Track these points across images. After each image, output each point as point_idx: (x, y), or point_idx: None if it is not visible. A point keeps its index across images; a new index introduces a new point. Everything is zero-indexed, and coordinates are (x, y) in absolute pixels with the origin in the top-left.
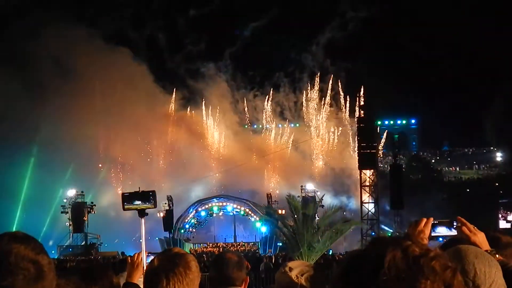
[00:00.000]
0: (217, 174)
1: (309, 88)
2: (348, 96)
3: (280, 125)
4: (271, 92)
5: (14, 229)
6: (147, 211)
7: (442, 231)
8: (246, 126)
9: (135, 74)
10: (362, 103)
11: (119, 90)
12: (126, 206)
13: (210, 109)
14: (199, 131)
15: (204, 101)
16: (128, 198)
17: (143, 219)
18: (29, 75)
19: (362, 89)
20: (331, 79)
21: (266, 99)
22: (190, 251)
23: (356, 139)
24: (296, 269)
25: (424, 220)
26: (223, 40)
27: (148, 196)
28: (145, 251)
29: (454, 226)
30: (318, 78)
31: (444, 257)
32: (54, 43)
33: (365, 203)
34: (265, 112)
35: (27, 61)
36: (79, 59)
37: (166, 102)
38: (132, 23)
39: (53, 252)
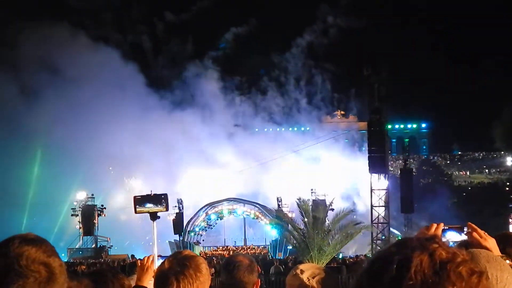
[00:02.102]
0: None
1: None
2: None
3: (291, 128)
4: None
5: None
6: (158, 214)
7: (452, 236)
8: (256, 129)
9: (125, 74)
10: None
11: (112, 91)
12: (138, 209)
13: (202, 110)
14: (195, 133)
15: (196, 102)
16: (140, 201)
17: (154, 222)
18: (22, 77)
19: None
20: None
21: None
22: (200, 254)
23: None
24: (307, 271)
25: (435, 225)
26: (205, 46)
27: (160, 199)
28: (157, 254)
29: (465, 232)
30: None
31: (471, 261)
32: (45, 45)
33: (375, 206)
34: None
35: (17, 62)
36: (71, 60)
37: (159, 104)
38: (114, 27)
39: (63, 255)
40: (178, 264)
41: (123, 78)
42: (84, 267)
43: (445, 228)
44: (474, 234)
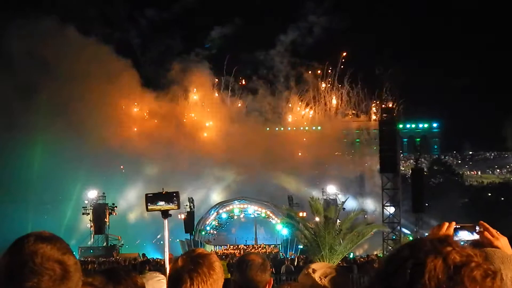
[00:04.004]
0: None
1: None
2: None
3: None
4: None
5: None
6: (170, 212)
7: (464, 235)
8: (267, 128)
9: (119, 70)
10: (383, 105)
11: (108, 88)
12: (149, 207)
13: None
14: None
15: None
16: (151, 199)
17: (166, 220)
18: (18, 74)
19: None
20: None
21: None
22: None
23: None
24: (320, 270)
25: (446, 224)
26: (192, 44)
27: (171, 197)
28: (169, 253)
29: (477, 231)
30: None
31: (485, 263)
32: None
33: (386, 206)
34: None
35: (13, 59)
36: (68, 58)
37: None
38: (102, 23)
39: (73, 253)
40: (192, 262)
41: (116, 74)
42: (95, 265)
43: (457, 227)
44: (486, 233)
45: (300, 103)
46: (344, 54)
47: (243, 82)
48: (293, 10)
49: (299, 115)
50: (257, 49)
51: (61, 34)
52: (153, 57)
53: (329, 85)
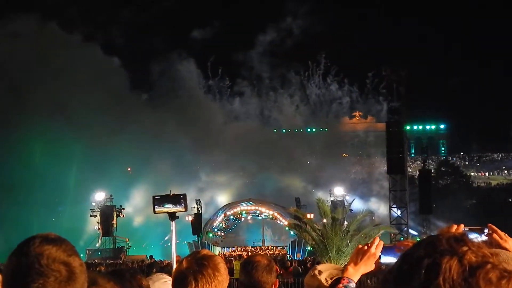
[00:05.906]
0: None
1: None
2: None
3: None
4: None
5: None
6: (177, 214)
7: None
8: (275, 130)
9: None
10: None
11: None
12: (157, 209)
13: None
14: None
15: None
16: (159, 201)
17: (173, 222)
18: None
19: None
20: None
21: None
22: (218, 254)
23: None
24: (325, 272)
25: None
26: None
27: (179, 199)
28: (177, 255)
29: (485, 233)
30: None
31: (501, 263)
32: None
33: (393, 207)
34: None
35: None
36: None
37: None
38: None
39: (81, 255)
40: (197, 263)
41: (108, 75)
42: (103, 268)
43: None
44: (494, 235)
45: (292, 104)
46: (323, 55)
47: (230, 84)
48: (274, 11)
49: (299, 116)
50: (242, 49)
51: (45, 32)
52: (137, 57)
53: (317, 86)
